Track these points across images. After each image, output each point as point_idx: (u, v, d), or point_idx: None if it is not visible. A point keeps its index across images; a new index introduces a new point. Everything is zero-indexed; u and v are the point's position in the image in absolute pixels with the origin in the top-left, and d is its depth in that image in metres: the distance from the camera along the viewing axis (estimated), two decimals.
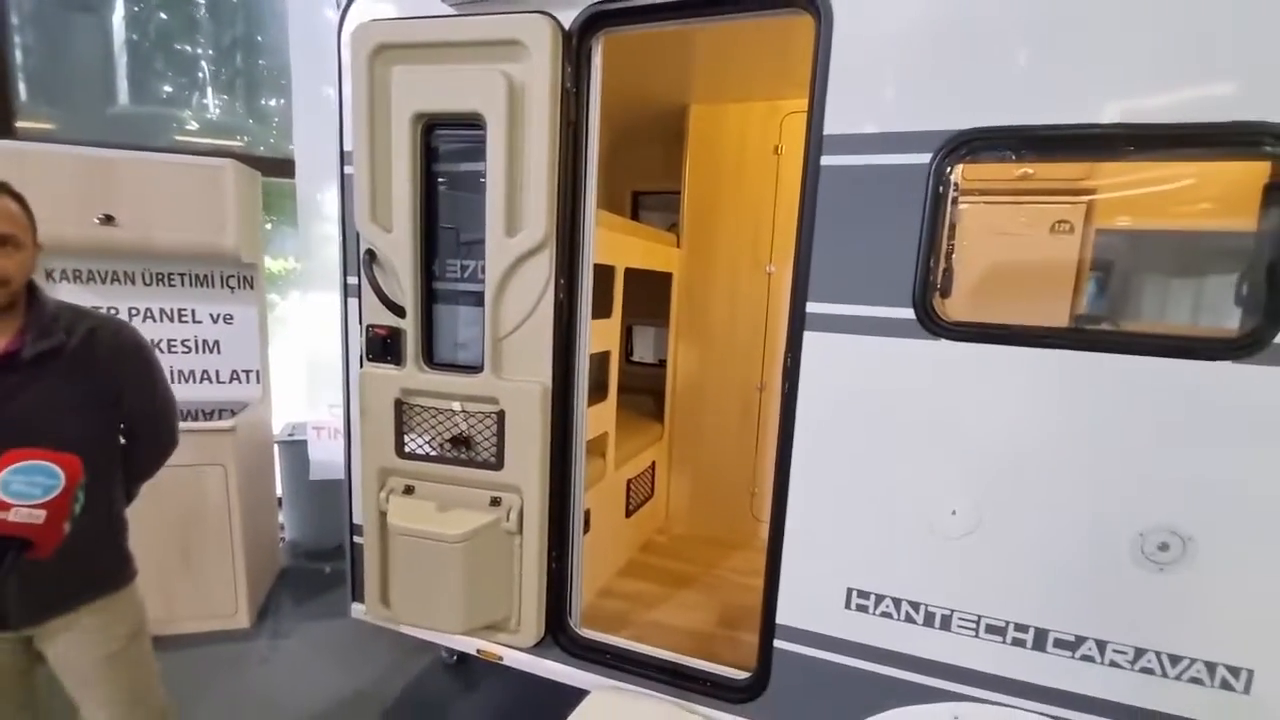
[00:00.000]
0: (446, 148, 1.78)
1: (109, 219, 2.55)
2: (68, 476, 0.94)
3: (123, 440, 1.45)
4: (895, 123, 1.46)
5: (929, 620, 1.58)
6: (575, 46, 1.67)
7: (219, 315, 2.95)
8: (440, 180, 1.81)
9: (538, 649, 2.00)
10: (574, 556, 2.00)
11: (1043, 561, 1.47)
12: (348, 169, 1.94)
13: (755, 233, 2.90)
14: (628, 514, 2.81)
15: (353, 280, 1.98)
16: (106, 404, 1.34)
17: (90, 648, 1.36)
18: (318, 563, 3.48)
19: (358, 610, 2.29)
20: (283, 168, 3.39)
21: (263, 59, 3.97)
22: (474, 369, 1.84)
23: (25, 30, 3.40)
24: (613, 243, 2.34)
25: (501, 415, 1.81)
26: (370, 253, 1.83)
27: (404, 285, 1.82)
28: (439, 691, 2.53)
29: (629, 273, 2.52)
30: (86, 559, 1.34)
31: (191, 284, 2.91)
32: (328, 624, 2.90)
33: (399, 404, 1.90)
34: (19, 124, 3.28)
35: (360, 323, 1.93)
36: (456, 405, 1.85)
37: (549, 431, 1.82)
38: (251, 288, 2.97)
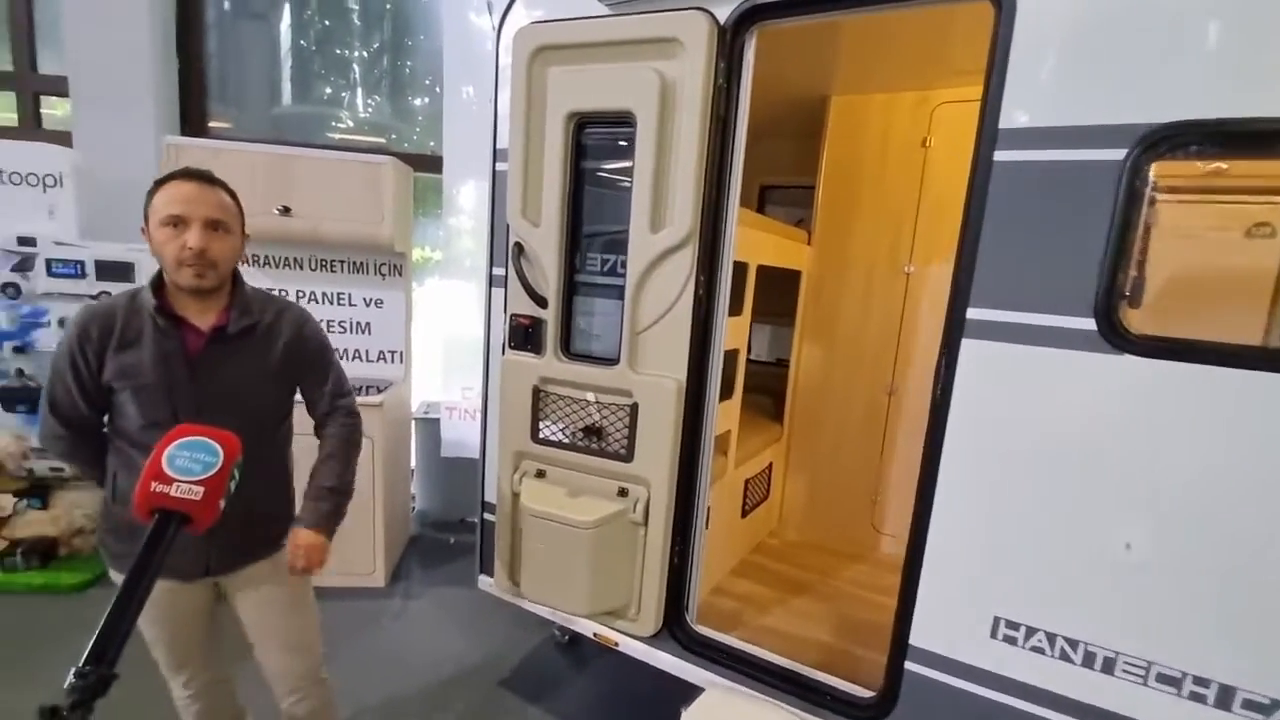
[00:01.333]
0: (596, 145, 1.83)
1: (286, 210, 2.85)
2: (226, 455, 0.95)
3: (315, 429, 1.61)
4: (1084, 116, 1.33)
5: (1089, 661, 1.44)
6: (729, 42, 1.66)
7: (371, 299, 3.22)
8: (588, 177, 1.86)
9: (654, 640, 2.03)
10: (695, 552, 2.01)
11: (1235, 611, 1.29)
12: (500, 166, 2.04)
13: (895, 230, 2.76)
14: (743, 513, 2.78)
15: (499, 271, 2.08)
16: (285, 378, 1.50)
17: (266, 595, 1.54)
18: (444, 533, 3.73)
19: (485, 583, 2.42)
20: (428, 164, 3.63)
21: (410, 61, 4.25)
22: (609, 361, 1.88)
23: (211, 39, 3.85)
24: (747, 239, 2.30)
25: (635, 408, 1.84)
26: (519, 245, 1.92)
27: (548, 277, 1.89)
28: (551, 668, 2.64)
29: (757, 270, 2.48)
30: (267, 520, 1.52)
31: (350, 270, 3.19)
32: (453, 591, 3.10)
33: (536, 391, 1.98)
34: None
35: (504, 311, 2.03)
36: (591, 396, 1.91)
37: (680, 427, 1.83)
38: (400, 275, 3.21)
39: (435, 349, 3.68)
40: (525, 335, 1.97)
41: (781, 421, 3.10)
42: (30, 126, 3.69)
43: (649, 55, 1.66)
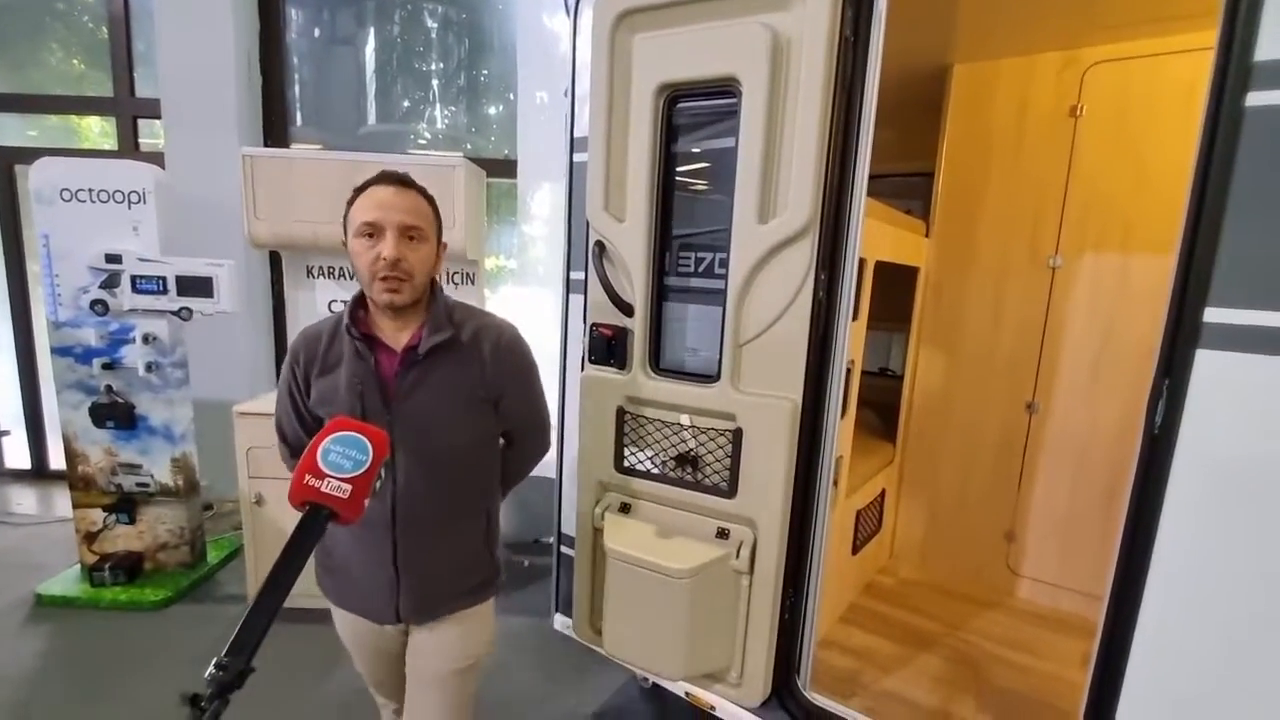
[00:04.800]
0: (690, 123, 1.55)
1: None
2: (375, 454, 0.93)
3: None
4: None
5: None
6: None
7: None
8: (681, 161, 1.59)
9: (761, 710, 1.71)
10: (810, 606, 1.68)
11: None
12: (578, 157, 1.80)
13: (1036, 216, 2.33)
14: (854, 550, 2.41)
15: (577, 276, 1.84)
16: (488, 402, 1.29)
17: (445, 659, 1.34)
18: (519, 555, 3.54)
19: (561, 623, 2.18)
20: (502, 169, 3.48)
21: (485, 70, 4.15)
22: (707, 378, 1.59)
23: (302, 66, 3.89)
24: (866, 231, 1.97)
25: (738, 434, 1.54)
26: (600, 245, 1.66)
27: (634, 280, 1.63)
28: (632, 715, 2.36)
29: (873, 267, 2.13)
30: (466, 567, 1.33)
31: None
32: (526, 620, 2.88)
33: (621, 413, 1.72)
34: (292, 145, 3.75)
35: (584, 321, 1.79)
36: (685, 419, 1.62)
37: (794, 457, 1.51)
38: (473, 283, 3.05)
39: None
40: (608, 348, 1.71)
41: (893, 441, 2.71)
42: (129, 149, 3.82)
43: (756, 7, 1.37)
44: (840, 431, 2.06)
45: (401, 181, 1.20)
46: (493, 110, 4.16)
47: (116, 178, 2.73)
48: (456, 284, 3.06)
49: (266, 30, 3.68)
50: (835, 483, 2.12)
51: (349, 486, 0.89)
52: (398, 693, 1.45)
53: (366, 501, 0.93)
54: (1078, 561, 2.40)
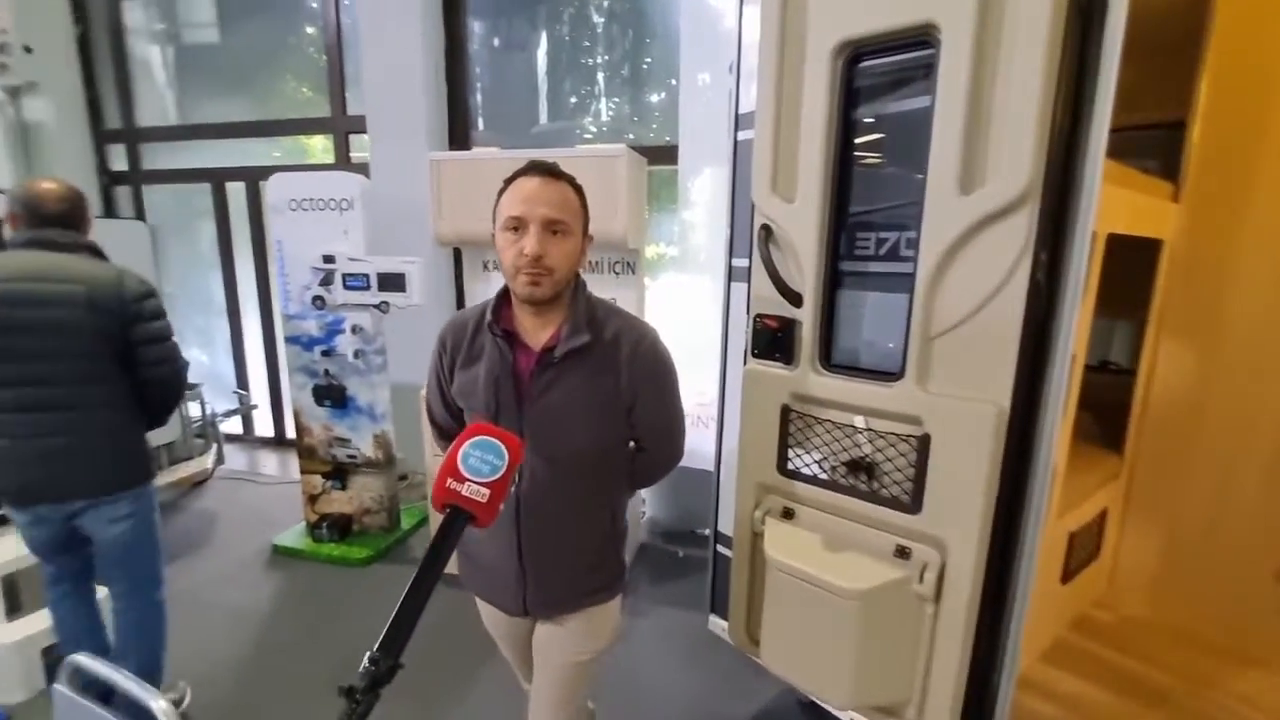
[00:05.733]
0: (874, 84, 1.36)
1: None
2: (510, 459, 0.93)
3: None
4: None
5: None
6: None
7: (606, 299, 3.11)
8: (861, 129, 1.40)
9: None
10: (1010, 642, 1.43)
11: None
12: (743, 135, 1.68)
13: None
14: (1064, 578, 2.05)
15: (739, 263, 1.73)
16: (621, 408, 1.25)
17: (566, 652, 1.35)
18: (673, 544, 3.52)
19: (716, 625, 2.10)
20: (663, 156, 3.44)
21: (649, 57, 4.14)
22: (888, 375, 1.40)
23: (483, 75, 4.17)
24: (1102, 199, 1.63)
25: (925, 441, 1.34)
26: (766, 229, 1.53)
27: (803, 266, 1.48)
28: None
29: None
30: (591, 565, 1.33)
31: (584, 269, 3.12)
32: (680, 614, 2.84)
33: (786, 411, 1.58)
34: (473, 149, 4.03)
35: (746, 312, 1.67)
36: (859, 420, 1.45)
37: (998, 471, 1.28)
38: (633, 273, 3.05)
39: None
40: (773, 340, 1.58)
41: (1118, 451, 2.25)
42: (342, 161, 4.36)
43: None
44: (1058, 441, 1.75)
45: (549, 172, 1.16)
46: (654, 98, 4.14)
47: (330, 188, 3.11)
48: (618, 272, 3.08)
49: (451, 43, 3.98)
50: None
51: (487, 491, 0.91)
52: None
53: (501, 506, 0.93)
54: None
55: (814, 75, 1.36)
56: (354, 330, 3.20)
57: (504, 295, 1.25)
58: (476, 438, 0.93)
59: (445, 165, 2.90)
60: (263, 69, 4.66)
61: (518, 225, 1.13)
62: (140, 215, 4.89)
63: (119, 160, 4.88)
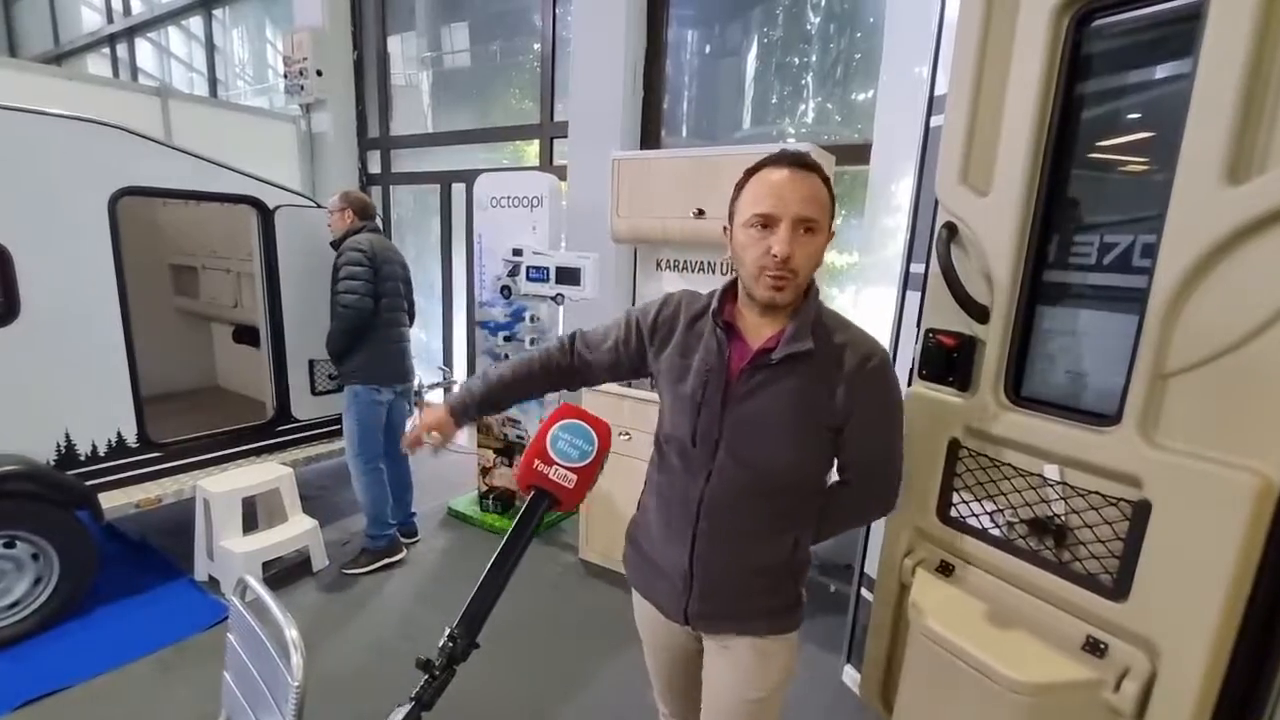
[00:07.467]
0: (1111, 51, 1.08)
1: (700, 213, 2.80)
2: (600, 446, 0.92)
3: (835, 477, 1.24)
4: None
5: None
6: None
7: None
8: (1087, 105, 1.12)
9: None
10: None
11: None
12: (935, 120, 1.45)
13: None
14: None
15: (917, 269, 1.50)
16: (830, 426, 1.12)
17: (738, 685, 1.23)
18: (825, 576, 3.24)
19: (850, 676, 1.86)
20: (853, 155, 3.19)
21: (857, 54, 3.87)
22: (1098, 418, 1.10)
23: (691, 83, 4.23)
24: None
25: (1143, 508, 1.02)
26: (949, 228, 1.30)
27: (994, 273, 1.22)
28: None
29: None
30: (764, 588, 1.21)
31: None
32: (824, 657, 2.58)
33: (955, 446, 1.32)
34: None
35: (918, 324, 1.44)
36: (1052, 471, 1.16)
37: (1255, 562, 0.93)
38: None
39: None
40: (946, 361, 1.34)
41: None
42: (546, 163, 4.71)
43: None
44: None
45: (800, 163, 1.04)
46: (861, 96, 3.87)
47: (524, 186, 3.36)
48: None
49: (651, 51, 4.09)
50: None
51: (574, 476, 0.89)
52: (681, 705, 1.38)
53: (586, 493, 0.90)
54: None
55: (1027, 40, 1.12)
56: (532, 319, 3.41)
57: (730, 286, 1.17)
58: (566, 420, 0.92)
59: (624, 164, 2.97)
60: (496, 83, 5.24)
61: (766, 222, 1.03)
62: (387, 211, 5.76)
63: (375, 164, 5.81)
